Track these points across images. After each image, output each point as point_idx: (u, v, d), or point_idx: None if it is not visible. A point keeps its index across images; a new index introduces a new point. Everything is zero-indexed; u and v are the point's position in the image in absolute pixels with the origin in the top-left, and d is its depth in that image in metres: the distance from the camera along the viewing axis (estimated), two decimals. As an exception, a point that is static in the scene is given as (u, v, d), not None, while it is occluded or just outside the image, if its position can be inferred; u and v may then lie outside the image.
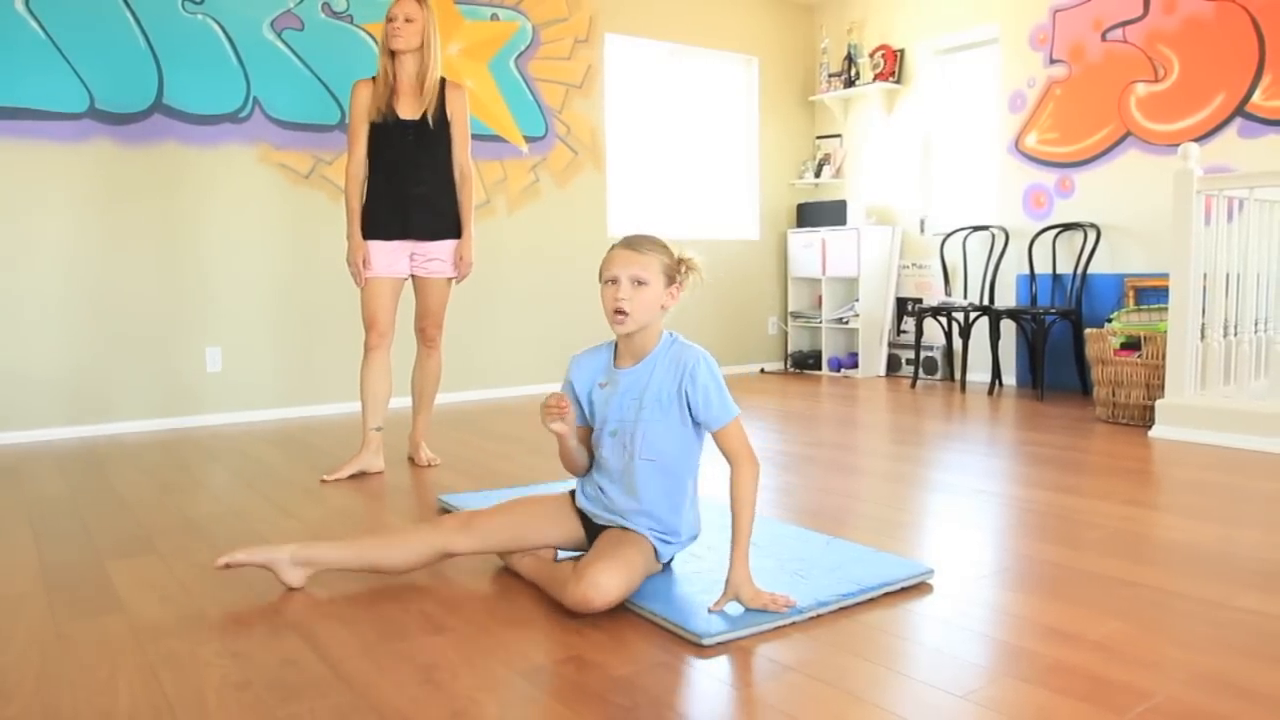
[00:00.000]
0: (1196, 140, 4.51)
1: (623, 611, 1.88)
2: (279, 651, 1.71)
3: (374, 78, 3.24)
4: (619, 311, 1.89)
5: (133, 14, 4.24)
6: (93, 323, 4.23)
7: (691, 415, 1.95)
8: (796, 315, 6.54)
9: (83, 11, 4.12)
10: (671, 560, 2.11)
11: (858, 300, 6.09)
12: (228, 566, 1.98)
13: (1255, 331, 3.92)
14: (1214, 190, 3.80)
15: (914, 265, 6.10)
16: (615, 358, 2.03)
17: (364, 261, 3.24)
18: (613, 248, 1.95)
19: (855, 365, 6.14)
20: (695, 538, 2.10)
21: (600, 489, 2.03)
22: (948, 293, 5.80)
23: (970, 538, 2.42)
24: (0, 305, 4.03)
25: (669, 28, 5.95)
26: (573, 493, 2.13)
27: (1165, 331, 3.91)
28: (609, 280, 1.91)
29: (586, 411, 2.06)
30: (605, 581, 1.82)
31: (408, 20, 3.16)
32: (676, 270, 1.96)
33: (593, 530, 2.06)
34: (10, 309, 4.06)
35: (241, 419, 4.57)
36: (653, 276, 1.90)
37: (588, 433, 2.08)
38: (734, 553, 1.85)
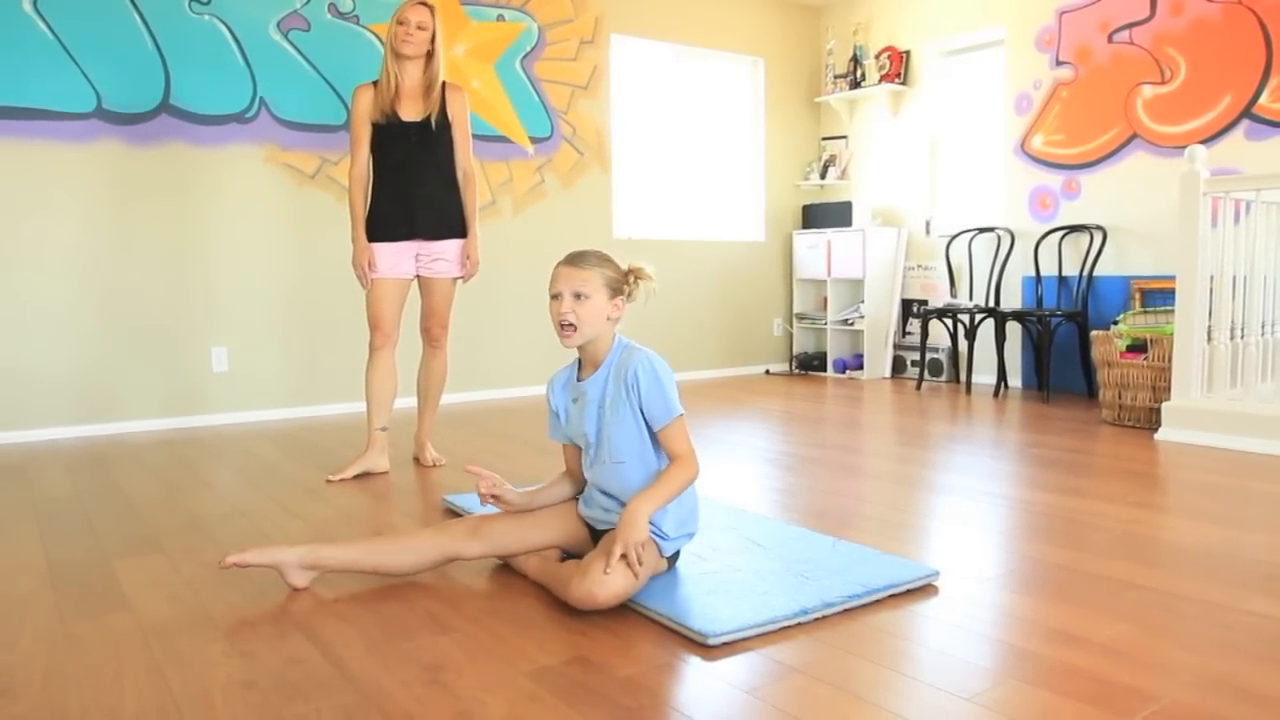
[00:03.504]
0: (1203, 142, 4.50)
1: (627, 612, 1.89)
2: (285, 651, 1.72)
3: (375, 82, 3.25)
4: (564, 325, 1.99)
5: (140, 14, 4.25)
6: (99, 322, 4.25)
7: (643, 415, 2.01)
8: (801, 317, 6.54)
9: (90, 12, 4.13)
10: (676, 560, 2.12)
11: (863, 302, 6.08)
12: (235, 566, 1.98)
13: (1262, 334, 3.90)
14: (1221, 192, 3.79)
15: (919, 267, 6.09)
16: (579, 371, 2.11)
17: (369, 263, 3.25)
18: (557, 264, 2.04)
19: (860, 367, 6.14)
20: (692, 535, 2.11)
21: (593, 496, 2.10)
22: (953, 294, 5.79)
23: (976, 540, 2.42)
24: (7, 305, 4.05)
25: (675, 29, 5.95)
26: (577, 498, 2.19)
27: (1172, 334, 3.90)
28: (554, 296, 2.02)
29: (565, 429, 2.15)
30: (609, 578, 1.83)
31: (420, 27, 3.17)
32: (623, 282, 2.05)
33: (597, 536, 2.10)
34: (17, 308, 4.07)
35: (247, 419, 4.58)
36: (594, 290, 1.99)
37: (577, 451, 2.16)
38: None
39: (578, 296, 1.98)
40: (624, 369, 2.00)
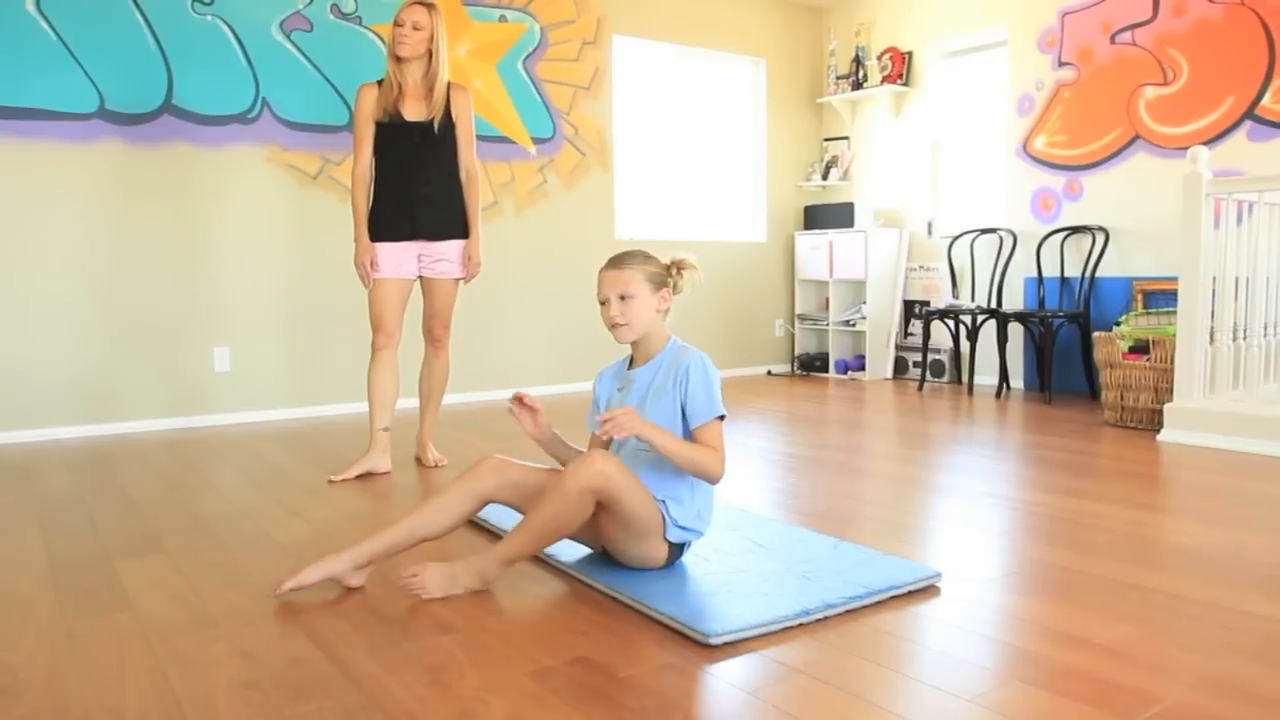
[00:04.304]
0: (1206, 143, 4.50)
1: (630, 612, 1.89)
2: (287, 651, 1.72)
3: (379, 81, 3.26)
4: (614, 326, 2.09)
5: (142, 15, 4.25)
6: (102, 322, 4.25)
7: (684, 410, 2.07)
8: (803, 317, 6.54)
9: (93, 12, 4.14)
10: (679, 555, 2.13)
11: (865, 303, 6.08)
12: (292, 590, 1.98)
13: (1264, 335, 3.90)
14: (1223, 193, 3.79)
15: (921, 268, 6.09)
16: (630, 363, 2.21)
17: (371, 263, 3.25)
18: (601, 270, 2.13)
19: (862, 368, 6.14)
20: (700, 534, 2.13)
21: None
22: (955, 295, 5.79)
23: (978, 541, 2.41)
24: (10, 305, 4.05)
25: (677, 29, 5.95)
26: None
27: (1174, 335, 3.90)
28: (602, 302, 2.11)
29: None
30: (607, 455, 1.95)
31: (415, 28, 3.17)
32: (665, 275, 2.13)
33: None
34: (20, 308, 4.07)
35: (249, 419, 4.59)
36: (637, 288, 2.08)
37: (605, 443, 2.20)
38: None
39: (623, 298, 2.07)
40: (677, 364, 2.08)
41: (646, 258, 2.12)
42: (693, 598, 1.91)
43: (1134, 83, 4.90)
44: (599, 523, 2.02)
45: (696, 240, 6.08)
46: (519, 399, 2.16)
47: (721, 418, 2.05)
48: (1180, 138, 4.70)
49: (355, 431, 4.15)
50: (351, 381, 4.74)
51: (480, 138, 3.74)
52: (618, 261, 2.10)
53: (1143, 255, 4.91)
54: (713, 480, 2.04)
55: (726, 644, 1.71)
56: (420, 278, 3.36)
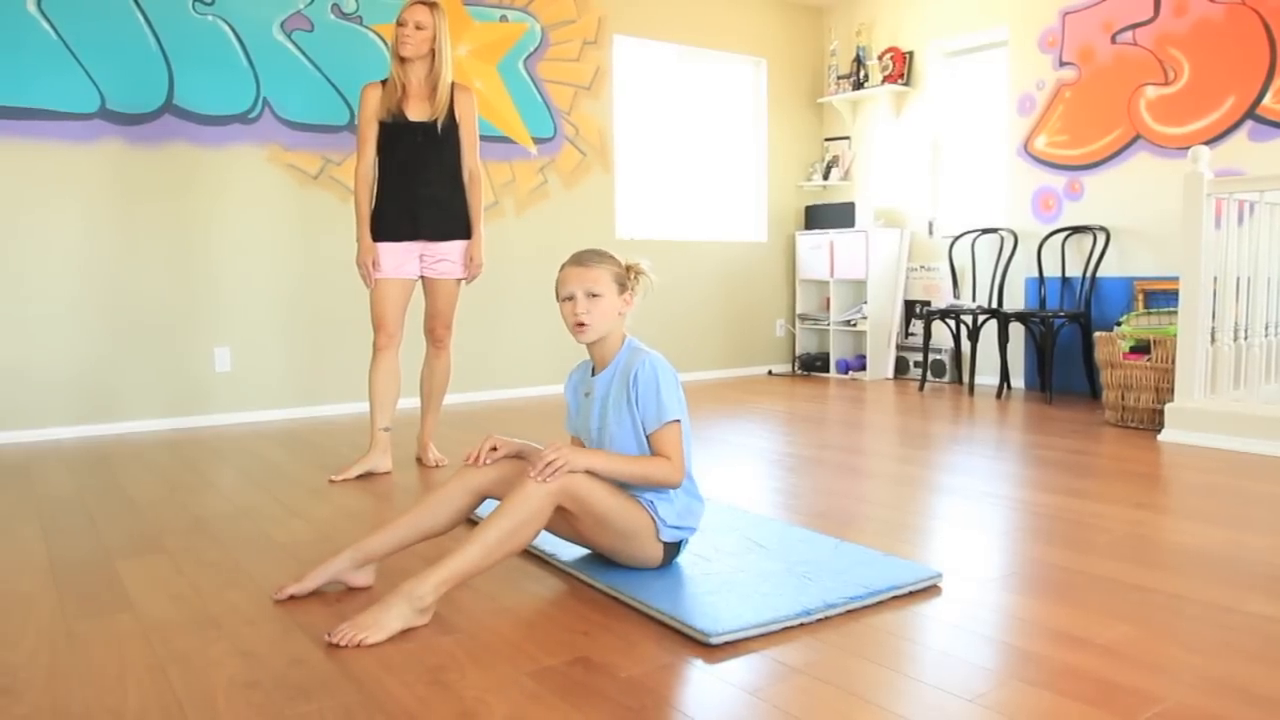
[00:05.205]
0: (1207, 143, 4.50)
1: (630, 611, 1.89)
2: (288, 651, 1.72)
3: (383, 81, 3.26)
4: (579, 325, 2.03)
5: (143, 15, 4.25)
6: (102, 322, 4.25)
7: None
8: (804, 317, 6.54)
9: (94, 12, 4.14)
10: (677, 554, 2.13)
11: (866, 303, 6.08)
12: (291, 598, 1.98)
13: (1265, 335, 3.90)
14: (1224, 193, 3.78)
15: (922, 268, 6.09)
16: (593, 368, 2.16)
17: (373, 263, 3.25)
18: (563, 267, 2.09)
19: (863, 368, 6.14)
20: (694, 529, 2.13)
21: None
22: (956, 295, 5.79)
23: (978, 541, 2.41)
24: (10, 304, 4.06)
25: (678, 29, 5.95)
26: None
27: (1175, 335, 3.90)
28: (566, 298, 2.06)
29: (574, 423, 2.22)
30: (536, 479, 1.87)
31: (418, 27, 3.17)
32: (626, 278, 2.09)
33: None
34: (20, 308, 4.08)
35: (250, 419, 4.59)
36: (605, 288, 2.04)
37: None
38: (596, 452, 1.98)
39: (591, 296, 2.03)
40: (629, 369, 2.03)
41: (610, 257, 2.08)
42: (693, 597, 1.91)
43: (1135, 82, 4.89)
44: (578, 528, 2.00)
45: (697, 240, 6.08)
46: (479, 455, 2.07)
47: (677, 421, 2.00)
48: (1181, 137, 4.70)
49: (356, 431, 4.15)
50: (352, 381, 4.74)
51: (481, 138, 3.73)
52: (584, 259, 2.06)
53: (1144, 255, 4.91)
54: (671, 488, 2.02)
55: (727, 644, 1.71)
56: (422, 278, 3.36)
